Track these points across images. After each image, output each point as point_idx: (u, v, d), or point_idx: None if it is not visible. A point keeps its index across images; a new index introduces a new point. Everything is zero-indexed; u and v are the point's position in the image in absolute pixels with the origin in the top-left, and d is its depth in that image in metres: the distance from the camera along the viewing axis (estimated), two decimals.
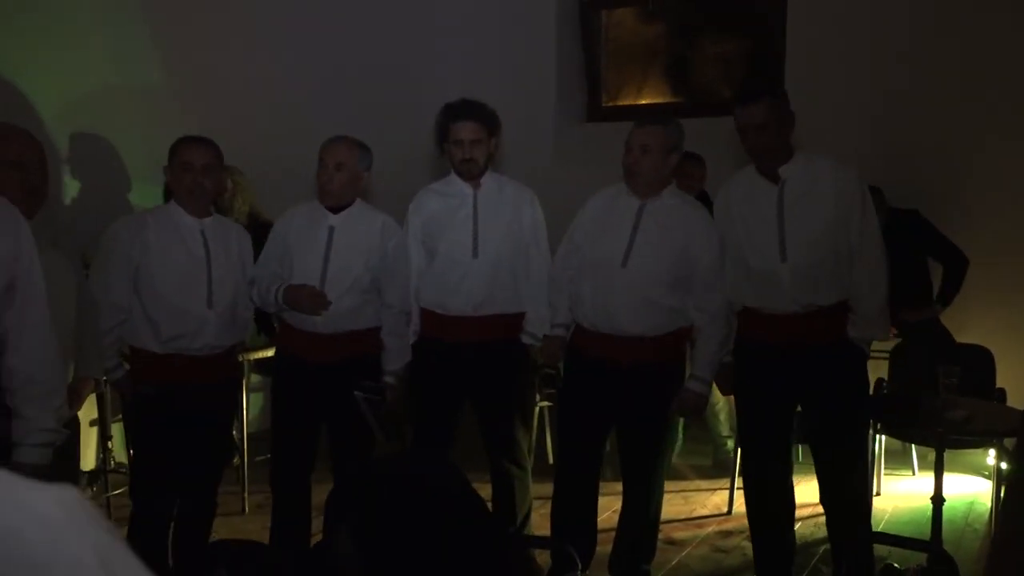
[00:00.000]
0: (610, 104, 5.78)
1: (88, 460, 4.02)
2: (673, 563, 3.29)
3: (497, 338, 3.09)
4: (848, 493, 2.86)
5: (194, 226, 2.79)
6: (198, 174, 2.72)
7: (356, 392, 2.90)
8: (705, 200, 4.63)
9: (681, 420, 4.40)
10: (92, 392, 2.66)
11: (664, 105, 5.61)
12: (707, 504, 4.10)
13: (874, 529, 3.67)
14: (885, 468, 4.19)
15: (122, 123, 4.20)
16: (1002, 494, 3.35)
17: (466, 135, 3.04)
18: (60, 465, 2.42)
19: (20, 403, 1.90)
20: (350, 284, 2.95)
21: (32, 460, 1.92)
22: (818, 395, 2.82)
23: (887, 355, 3.99)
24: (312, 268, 2.94)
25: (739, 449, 3.11)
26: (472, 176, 3.10)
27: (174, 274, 2.73)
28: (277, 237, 3.05)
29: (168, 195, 3.60)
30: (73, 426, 2.54)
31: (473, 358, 3.08)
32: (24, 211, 2.26)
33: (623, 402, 2.91)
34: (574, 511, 3.05)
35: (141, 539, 2.76)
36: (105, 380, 3.10)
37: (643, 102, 5.76)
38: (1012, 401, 3.51)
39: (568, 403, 3.12)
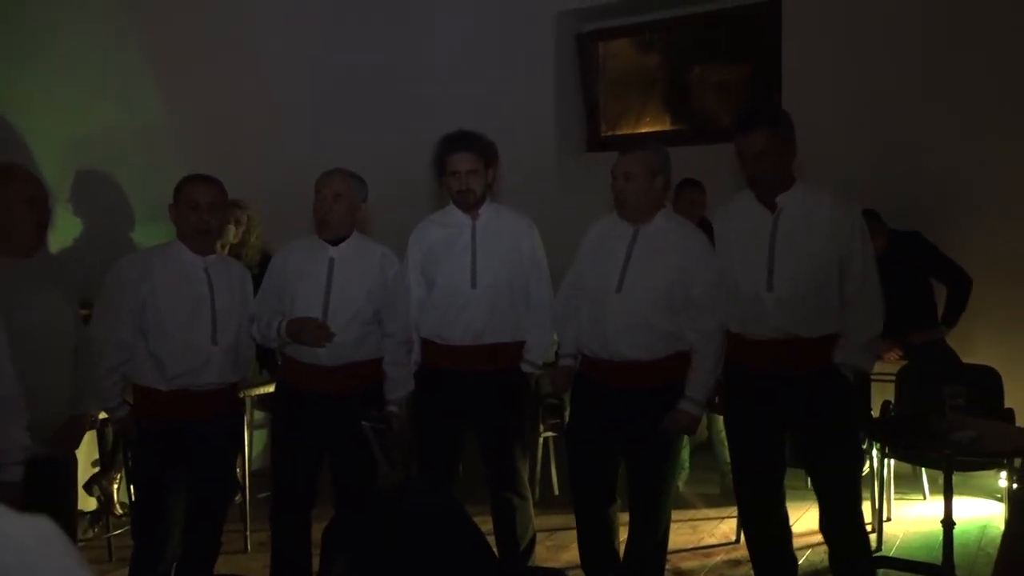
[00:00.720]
0: (609, 133, 5.82)
1: (90, 501, 4.00)
2: None
3: (498, 367, 3.08)
4: (841, 520, 2.81)
5: (198, 263, 2.81)
6: (204, 212, 2.75)
7: (363, 423, 2.90)
8: (706, 226, 4.64)
9: (688, 448, 4.38)
10: (90, 429, 2.65)
11: (664, 133, 5.65)
12: (715, 533, 4.05)
13: (886, 554, 3.62)
14: (896, 492, 4.13)
15: (124, 162, 4.26)
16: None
17: (462, 166, 3.06)
18: (57, 503, 2.43)
19: None
20: (352, 315, 2.96)
21: (11, 479, 1.99)
22: (803, 422, 2.79)
23: (893, 377, 3.95)
24: (314, 301, 2.95)
25: (732, 474, 3.08)
26: (470, 206, 3.11)
27: (180, 312, 2.74)
28: (275, 272, 3.05)
29: None
30: (71, 466, 2.54)
31: (473, 387, 3.07)
32: (34, 246, 2.32)
33: (626, 428, 2.91)
34: (595, 542, 3.05)
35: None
36: (107, 419, 3.09)
37: (643, 130, 5.80)
38: (1021, 421, 3.48)
39: (575, 432, 3.12)
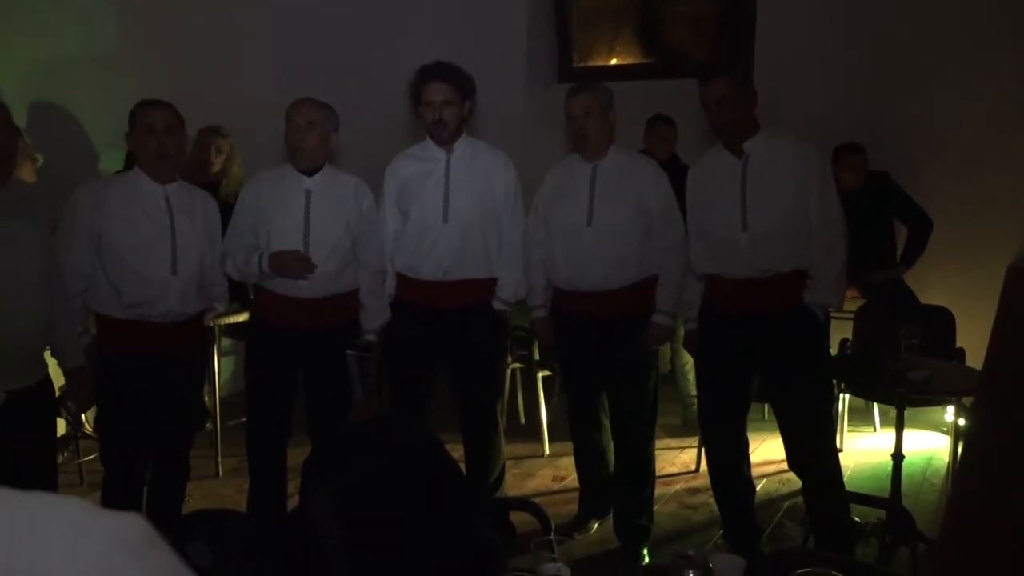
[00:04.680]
0: (581, 65, 5.75)
1: (59, 425, 4.00)
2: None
3: (469, 303, 3.12)
4: (816, 457, 2.94)
5: (157, 192, 2.76)
6: (161, 135, 2.69)
7: (348, 351, 2.98)
8: (676, 163, 4.67)
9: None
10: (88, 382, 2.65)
11: (635, 66, 5.61)
12: (676, 462, 4.20)
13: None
14: (848, 425, 4.30)
15: (85, 91, 4.12)
16: (959, 451, 3.47)
17: (436, 96, 3.03)
18: (39, 432, 2.43)
19: None
20: (333, 247, 2.96)
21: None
22: (775, 359, 2.89)
23: (851, 316, 4.07)
24: (293, 233, 2.93)
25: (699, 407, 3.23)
26: (443, 140, 3.09)
27: (137, 241, 2.70)
28: (247, 206, 3.00)
29: (129, 164, 3.53)
30: (49, 394, 2.53)
31: (445, 322, 3.11)
32: None
33: (609, 353, 3.12)
34: (590, 464, 3.41)
35: (114, 504, 2.77)
36: None
37: (614, 63, 5.75)
38: (971, 361, 3.62)
39: (564, 363, 3.40)
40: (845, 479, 3.89)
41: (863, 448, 4.29)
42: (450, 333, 3.13)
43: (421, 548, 1.90)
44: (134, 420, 2.75)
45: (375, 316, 3.11)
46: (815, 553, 2.65)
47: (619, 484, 3.30)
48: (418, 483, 2.00)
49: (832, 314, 3.77)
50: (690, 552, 1.33)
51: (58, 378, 3.68)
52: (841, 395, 4.02)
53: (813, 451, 2.93)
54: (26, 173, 3.71)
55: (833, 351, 4.01)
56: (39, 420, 2.41)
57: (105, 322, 2.76)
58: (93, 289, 2.73)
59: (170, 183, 2.79)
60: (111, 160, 4.05)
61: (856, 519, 3.27)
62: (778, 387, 2.95)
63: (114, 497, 2.81)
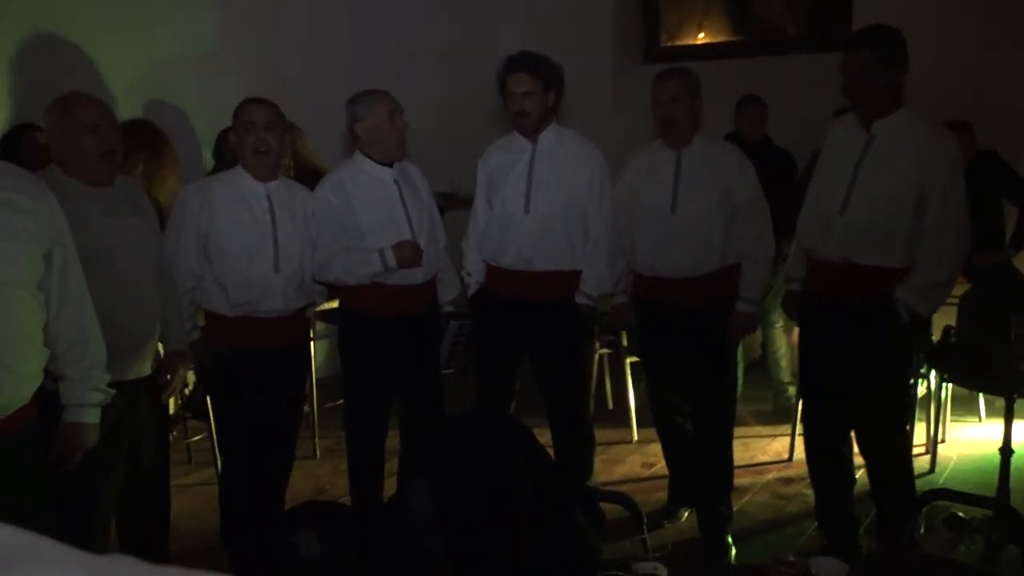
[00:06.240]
0: (669, 44, 5.64)
1: (169, 404, 4.20)
2: (734, 509, 3.33)
3: (550, 295, 3.12)
4: (889, 446, 2.89)
5: (259, 190, 2.80)
6: (260, 131, 2.74)
7: (452, 321, 3.13)
8: (768, 145, 4.54)
9: (741, 365, 4.42)
10: (187, 366, 2.74)
11: (725, 44, 5.46)
12: (767, 451, 4.12)
13: (938, 478, 3.67)
14: (951, 415, 4.13)
15: (190, 91, 4.26)
16: None
17: (518, 88, 3.03)
18: (154, 418, 2.56)
19: (64, 366, 2.01)
20: (428, 230, 3.04)
21: (80, 420, 2.04)
22: (852, 350, 2.80)
23: (956, 301, 3.90)
24: (399, 223, 2.96)
25: (800, 396, 3.17)
26: (528, 130, 3.09)
27: (240, 240, 2.75)
28: (333, 209, 2.93)
29: (219, 161, 3.60)
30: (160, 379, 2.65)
31: (527, 312, 3.13)
32: (99, 174, 2.35)
33: (690, 341, 3.10)
34: (673, 448, 3.38)
35: (233, 491, 2.90)
36: None
37: (703, 41, 5.61)
38: None
39: (644, 350, 3.38)
40: (947, 471, 3.77)
41: (967, 439, 4.12)
42: (531, 323, 3.14)
43: (515, 537, 1.93)
44: (247, 410, 2.82)
45: (451, 288, 3.21)
46: (918, 553, 2.57)
47: (698, 472, 3.26)
48: (510, 472, 2.02)
49: None
50: (791, 558, 1.31)
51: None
52: (944, 385, 3.86)
53: (891, 443, 2.90)
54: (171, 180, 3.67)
55: (936, 338, 3.86)
56: (153, 407, 2.53)
57: (213, 318, 2.84)
58: (202, 287, 2.80)
59: (271, 180, 2.84)
60: (211, 159, 4.19)
61: (960, 514, 3.15)
62: (857, 375, 2.86)
63: (232, 485, 2.92)
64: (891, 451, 2.92)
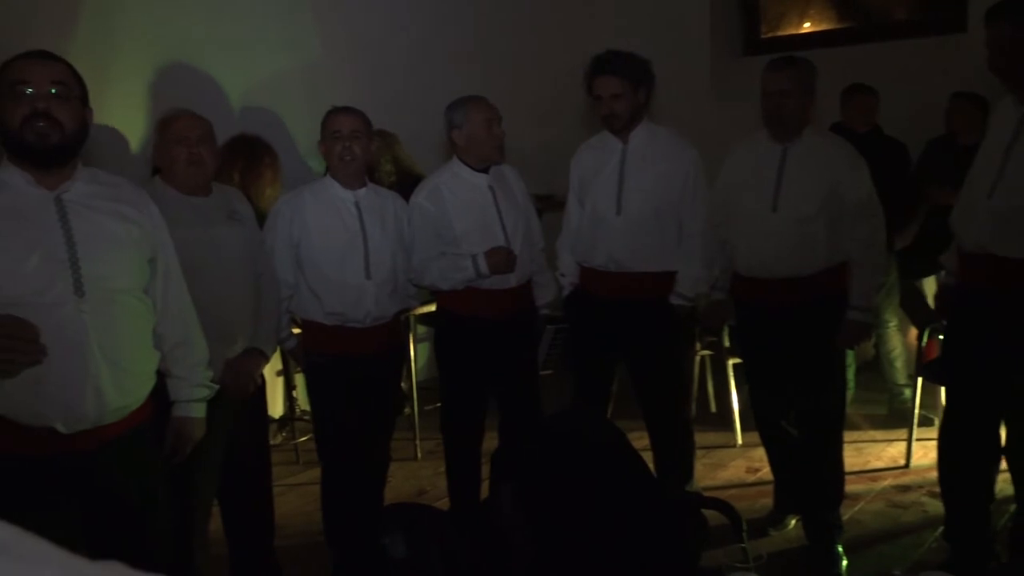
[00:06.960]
0: (770, 35, 5.46)
1: (276, 408, 4.35)
2: (845, 518, 3.17)
3: (644, 296, 3.05)
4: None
5: (348, 198, 2.84)
6: (346, 139, 2.76)
7: (549, 325, 3.14)
8: (879, 135, 4.32)
9: (853, 367, 4.22)
10: (262, 367, 2.77)
11: (831, 32, 5.24)
12: (882, 456, 3.92)
13: None
14: None
15: (292, 103, 4.41)
16: None
17: (606, 91, 2.98)
18: (253, 419, 2.65)
19: (171, 365, 2.10)
20: (523, 234, 3.05)
21: (188, 414, 2.14)
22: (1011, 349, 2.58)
23: None
24: (493, 229, 2.98)
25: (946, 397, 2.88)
26: (617, 130, 3.04)
27: (332, 248, 2.79)
28: (429, 215, 2.97)
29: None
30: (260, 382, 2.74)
31: (621, 314, 3.07)
32: (190, 181, 2.45)
33: (792, 344, 2.94)
34: (777, 454, 3.21)
35: (337, 493, 2.95)
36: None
37: (806, 30, 5.41)
38: None
39: (744, 352, 3.27)
40: None
41: None
42: (624, 324, 3.08)
43: (608, 543, 1.89)
44: (343, 416, 2.86)
45: (548, 290, 3.19)
46: None
47: (805, 479, 3.09)
48: (604, 477, 1.98)
49: None
50: (896, 572, 1.22)
51: (274, 363, 3.97)
52: None
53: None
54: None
55: None
56: (253, 409, 2.62)
57: (309, 327, 2.89)
58: (298, 296, 2.86)
59: (359, 188, 2.87)
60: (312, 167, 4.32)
61: None
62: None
63: (332, 487, 2.97)
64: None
